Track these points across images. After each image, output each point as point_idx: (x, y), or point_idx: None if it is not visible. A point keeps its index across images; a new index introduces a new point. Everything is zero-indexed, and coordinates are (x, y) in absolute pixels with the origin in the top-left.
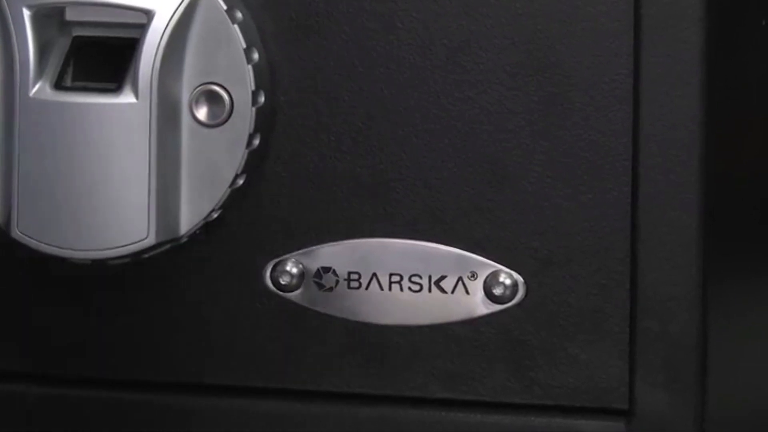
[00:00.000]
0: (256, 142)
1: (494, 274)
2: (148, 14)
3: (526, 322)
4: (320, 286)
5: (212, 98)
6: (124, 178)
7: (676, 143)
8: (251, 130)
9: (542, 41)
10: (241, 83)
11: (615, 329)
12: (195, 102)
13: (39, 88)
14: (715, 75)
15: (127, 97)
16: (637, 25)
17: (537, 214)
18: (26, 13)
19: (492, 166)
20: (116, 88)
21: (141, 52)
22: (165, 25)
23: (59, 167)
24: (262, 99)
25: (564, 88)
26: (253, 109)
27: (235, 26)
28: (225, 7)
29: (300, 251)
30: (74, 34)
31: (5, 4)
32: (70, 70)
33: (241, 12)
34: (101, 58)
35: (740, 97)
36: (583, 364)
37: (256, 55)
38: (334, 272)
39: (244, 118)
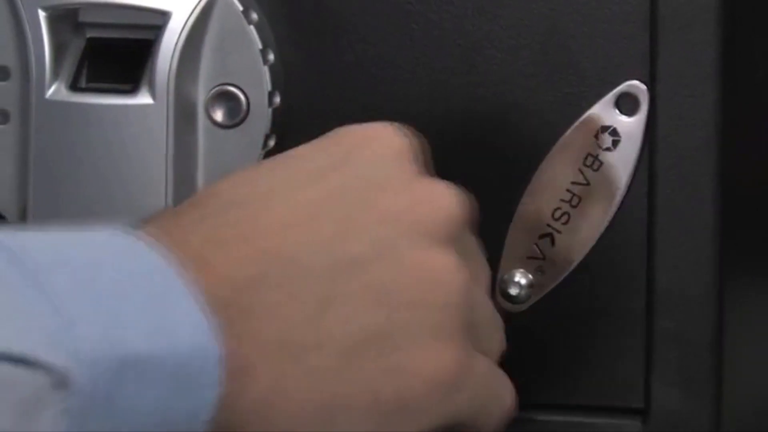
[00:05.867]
0: (272, 143)
1: (510, 274)
2: (165, 15)
3: (542, 322)
4: None
5: (228, 99)
6: (141, 179)
7: (692, 144)
8: (267, 131)
9: (557, 41)
10: (257, 84)
11: (631, 329)
12: (211, 103)
13: (55, 90)
14: (731, 76)
15: (143, 99)
16: (653, 26)
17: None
18: (42, 15)
19: (507, 166)
20: (132, 90)
21: (157, 53)
22: (181, 27)
23: (75, 168)
24: (277, 100)
25: (579, 89)
26: (270, 110)
27: (251, 27)
28: (241, 9)
29: None
30: (88, 35)
31: (20, 5)
32: (85, 72)
33: (257, 13)
34: (116, 59)
35: (756, 98)
36: (599, 363)
37: (271, 56)
38: None
39: (261, 119)
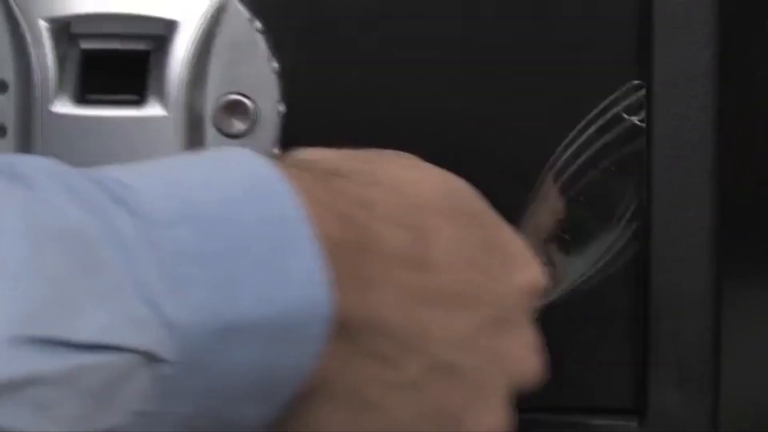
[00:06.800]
0: (277, 151)
1: None
2: (174, 25)
3: (540, 323)
4: None
5: (237, 108)
6: None
7: (690, 143)
8: (275, 140)
9: (557, 43)
10: (265, 93)
11: (629, 329)
12: (220, 112)
13: (60, 102)
14: (729, 76)
15: (154, 110)
16: (650, 26)
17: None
18: (43, 26)
19: (513, 169)
20: (139, 101)
21: (167, 63)
22: (192, 36)
23: None
24: (283, 108)
25: (579, 93)
26: (277, 118)
27: (260, 35)
28: (248, 16)
29: None
30: (89, 46)
31: (20, 16)
32: (87, 84)
33: (260, 20)
34: (114, 70)
35: (754, 98)
36: (596, 363)
37: (276, 64)
38: None
39: (269, 128)
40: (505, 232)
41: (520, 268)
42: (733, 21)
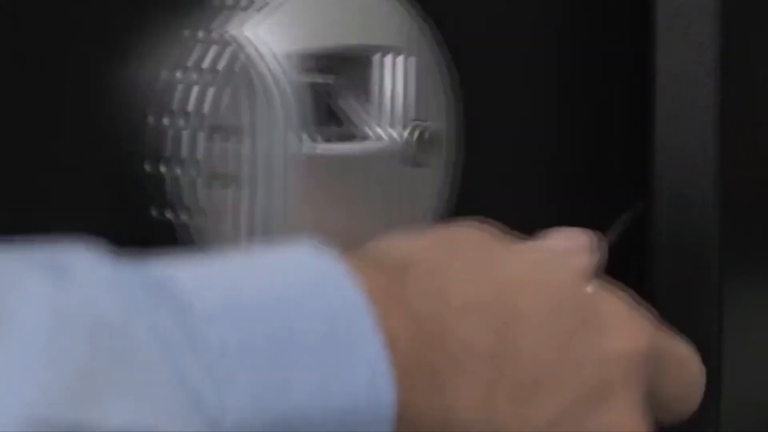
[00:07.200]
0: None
1: None
2: (378, 55)
3: None
4: None
5: (425, 138)
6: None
7: (690, 143)
8: (457, 168)
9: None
10: (447, 121)
11: None
12: (413, 141)
13: (306, 142)
14: (729, 75)
15: (381, 143)
16: (651, 26)
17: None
18: (279, 65)
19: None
20: (358, 134)
21: (394, 93)
22: (403, 65)
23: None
24: (458, 134)
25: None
26: (455, 146)
27: (445, 63)
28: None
29: None
30: (308, 82)
31: (256, 58)
32: (317, 121)
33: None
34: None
35: (756, 99)
36: None
37: (459, 92)
38: None
39: (450, 154)
40: (601, 297)
41: (616, 334)
42: (735, 21)
